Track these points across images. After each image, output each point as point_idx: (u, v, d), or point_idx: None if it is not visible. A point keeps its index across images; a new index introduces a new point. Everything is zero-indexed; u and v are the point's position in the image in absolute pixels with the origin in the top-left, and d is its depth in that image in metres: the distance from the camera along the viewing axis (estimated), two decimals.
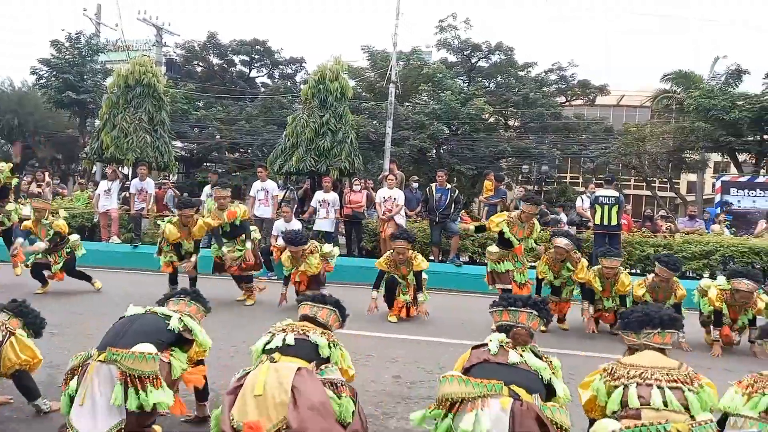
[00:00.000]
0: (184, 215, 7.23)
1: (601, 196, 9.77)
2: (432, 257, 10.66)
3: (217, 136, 27.71)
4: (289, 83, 31.37)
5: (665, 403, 2.52)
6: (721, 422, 2.74)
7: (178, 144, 27.86)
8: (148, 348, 2.98)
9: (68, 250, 7.86)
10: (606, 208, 9.64)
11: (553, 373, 2.87)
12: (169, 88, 21.82)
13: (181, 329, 3.25)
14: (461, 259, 10.57)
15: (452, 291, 9.34)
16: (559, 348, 5.85)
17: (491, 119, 28.14)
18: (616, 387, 2.68)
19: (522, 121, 29.03)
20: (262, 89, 32.03)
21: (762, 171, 20.85)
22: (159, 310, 3.40)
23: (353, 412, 2.95)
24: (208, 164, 28.87)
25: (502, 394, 2.60)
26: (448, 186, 10.42)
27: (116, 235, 11.42)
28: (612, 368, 2.79)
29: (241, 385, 2.86)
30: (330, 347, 3.14)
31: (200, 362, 3.42)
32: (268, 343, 3.13)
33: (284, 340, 3.08)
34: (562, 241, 6.82)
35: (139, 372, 2.87)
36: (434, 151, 26.21)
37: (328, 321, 3.42)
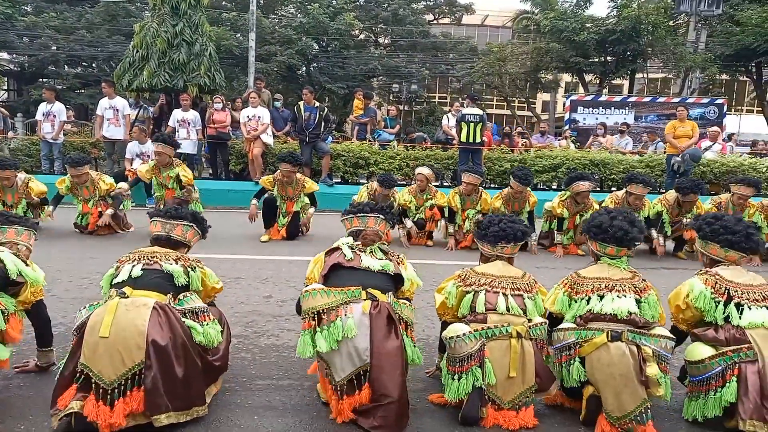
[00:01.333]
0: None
1: (468, 114, 10.11)
2: None
3: (53, 47, 24.18)
4: None
5: (508, 309, 2.84)
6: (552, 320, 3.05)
7: (5, 56, 24.01)
8: None
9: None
10: (471, 126, 10.03)
11: (400, 264, 3.08)
12: None
13: (16, 275, 2.78)
14: (333, 180, 10.55)
15: (324, 211, 9.34)
16: (425, 259, 6.18)
17: (361, 36, 27.59)
18: (467, 293, 2.94)
19: (392, 39, 28.84)
20: None
21: (605, 90, 22.95)
22: None
23: (220, 332, 2.88)
24: (44, 80, 25.34)
25: (361, 298, 2.76)
26: (317, 104, 10.13)
27: None
28: (465, 275, 3.00)
29: (83, 324, 2.58)
30: (187, 273, 2.88)
31: (39, 303, 2.97)
32: (114, 276, 2.82)
33: (131, 272, 2.77)
34: (425, 170, 7.20)
35: None
36: (304, 68, 25.29)
37: (185, 237, 3.10)
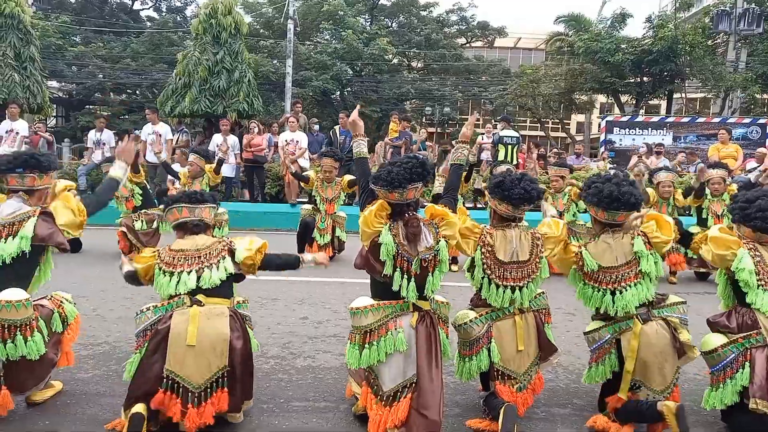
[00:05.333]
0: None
1: (506, 136, 10.07)
2: None
3: (100, 76, 25.28)
4: (178, 17, 29.03)
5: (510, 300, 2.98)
6: None
7: (54, 84, 25.20)
8: (17, 295, 2.73)
9: None
10: (509, 147, 10.00)
11: (439, 235, 2.84)
12: (39, 19, 19.43)
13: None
14: None
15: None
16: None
17: (395, 60, 27.96)
18: (482, 268, 3.00)
19: (425, 63, 29.15)
20: (148, 24, 29.43)
21: (641, 111, 22.58)
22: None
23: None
24: (90, 107, 26.45)
25: (409, 311, 2.81)
26: None
27: None
28: (485, 250, 2.99)
29: (161, 330, 2.71)
30: (232, 254, 2.95)
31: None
32: (176, 282, 2.82)
33: (199, 280, 2.82)
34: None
35: (9, 321, 2.70)
36: (338, 93, 25.73)
37: (211, 218, 3.12)
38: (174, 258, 2.88)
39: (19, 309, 2.71)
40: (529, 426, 3.00)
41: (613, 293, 2.90)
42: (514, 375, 2.93)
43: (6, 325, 2.70)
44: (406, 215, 2.80)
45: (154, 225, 6.94)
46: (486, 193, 3.31)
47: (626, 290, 2.88)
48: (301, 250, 6.88)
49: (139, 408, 2.58)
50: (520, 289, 2.96)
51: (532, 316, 3.03)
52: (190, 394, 2.63)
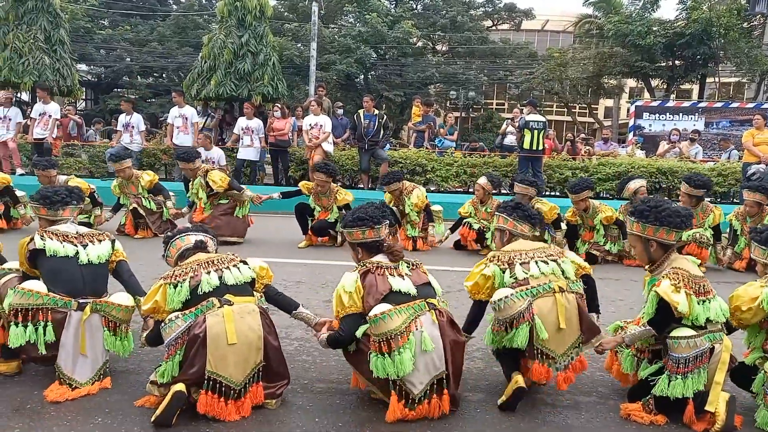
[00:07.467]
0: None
1: (532, 121, 9.87)
2: (362, 185, 10.63)
3: (127, 59, 25.62)
4: (204, 0, 29.16)
5: (547, 273, 2.98)
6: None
7: (83, 67, 25.65)
8: (127, 300, 3.14)
9: None
10: (536, 132, 9.83)
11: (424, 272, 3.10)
12: (68, 3, 19.70)
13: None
14: None
15: None
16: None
17: (419, 43, 27.73)
18: (503, 270, 3.02)
19: (450, 46, 28.82)
20: (175, 7, 29.63)
21: (672, 96, 22.02)
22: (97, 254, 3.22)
23: None
24: (119, 90, 26.86)
25: (426, 310, 2.83)
26: (376, 112, 10.25)
27: (19, 167, 10.51)
28: (497, 255, 3.10)
29: (198, 334, 2.69)
30: (250, 262, 3.10)
31: (120, 263, 3.47)
32: (196, 287, 2.82)
33: (222, 279, 2.87)
34: (482, 180, 6.89)
35: (118, 320, 3.08)
36: (362, 76, 25.65)
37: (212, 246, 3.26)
38: (186, 268, 2.89)
39: (127, 313, 3.11)
40: (554, 413, 2.98)
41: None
42: (553, 354, 2.89)
43: (119, 325, 3.07)
44: (384, 246, 3.02)
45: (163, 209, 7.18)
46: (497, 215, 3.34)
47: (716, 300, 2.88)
48: (304, 232, 7.00)
49: (180, 386, 2.63)
50: (555, 262, 3.02)
51: (573, 297, 2.99)
52: (231, 391, 2.71)
